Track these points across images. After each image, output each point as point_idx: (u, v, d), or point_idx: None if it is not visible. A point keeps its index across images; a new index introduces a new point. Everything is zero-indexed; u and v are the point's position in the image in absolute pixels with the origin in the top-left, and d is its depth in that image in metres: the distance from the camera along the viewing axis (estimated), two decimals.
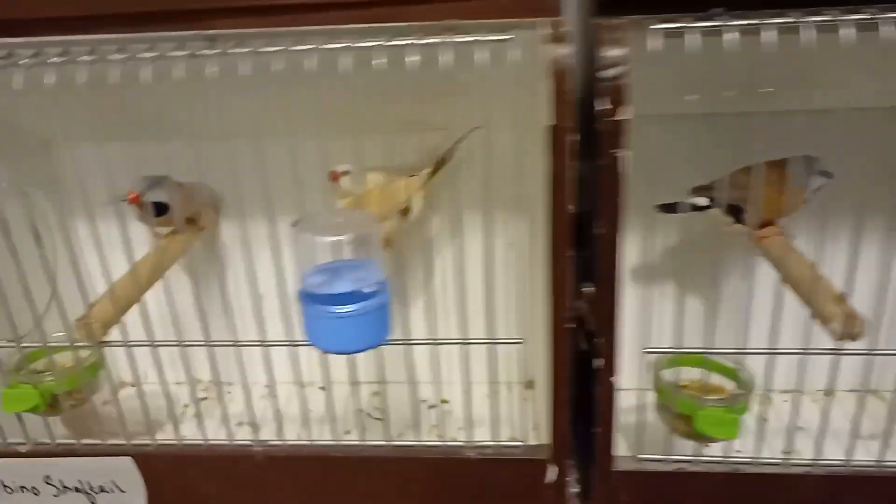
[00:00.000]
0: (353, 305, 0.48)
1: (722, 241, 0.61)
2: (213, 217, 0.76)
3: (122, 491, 0.64)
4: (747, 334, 0.58)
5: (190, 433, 0.64)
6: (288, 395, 0.85)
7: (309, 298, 0.49)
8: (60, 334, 0.61)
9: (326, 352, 0.51)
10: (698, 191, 0.61)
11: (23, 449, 0.63)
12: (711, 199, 0.60)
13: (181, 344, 0.60)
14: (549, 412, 0.57)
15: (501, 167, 0.51)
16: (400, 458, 0.61)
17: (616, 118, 0.46)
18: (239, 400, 0.76)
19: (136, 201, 0.60)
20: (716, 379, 0.61)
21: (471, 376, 0.83)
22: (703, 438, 0.58)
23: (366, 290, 0.49)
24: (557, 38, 0.46)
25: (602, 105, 0.45)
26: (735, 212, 0.61)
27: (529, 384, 0.88)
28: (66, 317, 0.59)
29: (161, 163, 0.60)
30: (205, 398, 0.88)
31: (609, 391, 0.55)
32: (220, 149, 0.56)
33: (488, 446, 0.60)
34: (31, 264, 0.58)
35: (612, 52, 0.44)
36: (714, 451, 0.59)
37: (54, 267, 0.69)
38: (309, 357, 0.61)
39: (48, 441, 0.63)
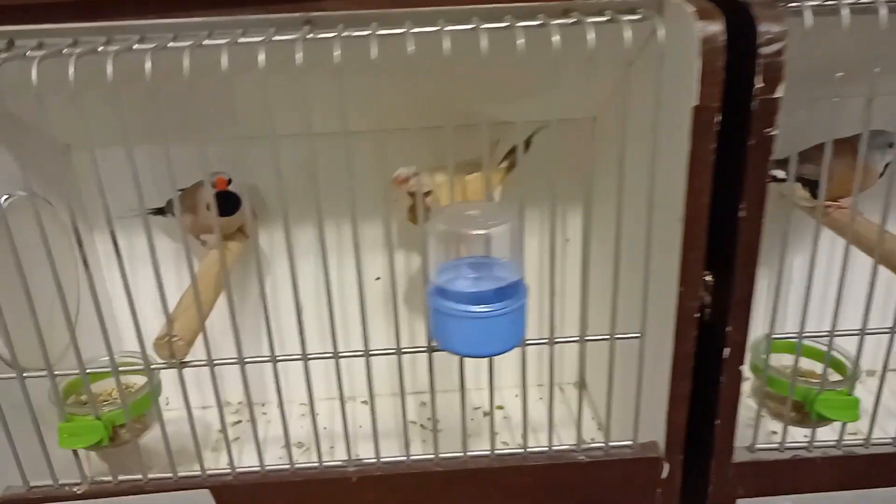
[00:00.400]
0: (495, 304, 0.45)
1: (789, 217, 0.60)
2: (254, 224, 0.71)
3: None
4: (838, 315, 0.58)
5: (243, 460, 0.58)
6: (329, 412, 0.81)
7: (445, 297, 0.45)
8: (104, 358, 0.53)
9: (462, 355, 0.47)
10: (776, 164, 0.61)
11: (79, 490, 0.55)
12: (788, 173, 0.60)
13: (213, 364, 0.53)
14: (666, 407, 0.55)
15: (560, 159, 0.49)
16: (504, 468, 0.57)
17: (771, 96, 0.44)
18: (276, 421, 0.69)
19: (224, 185, 0.55)
20: (804, 363, 0.61)
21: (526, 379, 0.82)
22: (815, 423, 0.57)
23: (507, 288, 0.45)
24: (707, 15, 0.44)
25: (758, 83, 0.44)
26: (808, 186, 0.62)
27: (582, 385, 0.86)
28: (107, 338, 0.52)
29: (193, 167, 0.53)
30: (238, 422, 0.81)
31: (736, 381, 0.54)
32: (259, 149, 0.50)
33: (598, 448, 0.58)
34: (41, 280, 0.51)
35: (771, 28, 0.43)
36: (821, 435, 0.58)
37: (75, 285, 0.62)
38: (348, 370, 0.55)
39: (109, 479, 0.56)
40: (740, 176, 0.48)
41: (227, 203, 0.61)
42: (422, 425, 0.79)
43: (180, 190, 0.63)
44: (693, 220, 0.49)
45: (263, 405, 0.82)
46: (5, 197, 0.56)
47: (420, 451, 0.59)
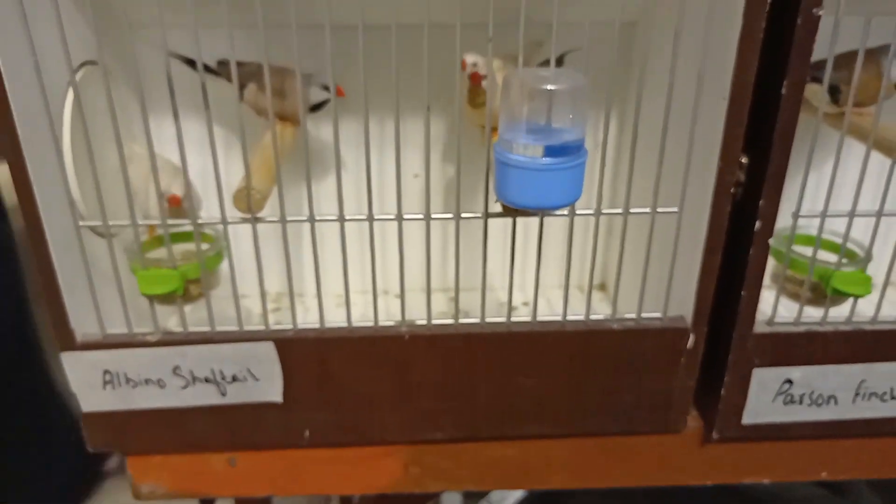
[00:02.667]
0: (560, 158, 0.49)
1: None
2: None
3: (257, 379, 0.62)
4: (856, 203, 0.62)
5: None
6: (361, 304, 0.85)
7: (512, 150, 0.49)
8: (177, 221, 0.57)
9: (521, 206, 0.51)
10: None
11: (152, 338, 0.60)
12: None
13: (286, 221, 0.57)
14: (697, 279, 0.60)
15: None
16: (545, 333, 0.62)
17: None
18: (313, 310, 0.73)
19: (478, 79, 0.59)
20: (820, 255, 0.66)
21: (545, 282, 0.87)
22: (829, 301, 0.63)
23: (570, 145, 0.49)
24: None
25: None
26: (832, 91, 0.66)
27: (601, 287, 0.91)
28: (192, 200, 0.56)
29: (252, 51, 0.56)
30: (277, 308, 0.86)
31: (764, 254, 0.59)
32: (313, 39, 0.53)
33: (631, 319, 0.63)
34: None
35: None
36: (834, 314, 0.64)
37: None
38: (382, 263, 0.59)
39: (180, 329, 0.60)
40: (785, 57, 0.52)
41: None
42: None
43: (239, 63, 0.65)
44: (737, 98, 0.53)
45: (301, 295, 0.87)
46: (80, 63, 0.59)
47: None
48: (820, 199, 0.60)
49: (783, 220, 0.59)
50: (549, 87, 0.48)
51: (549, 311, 0.85)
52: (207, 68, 0.67)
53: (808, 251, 0.63)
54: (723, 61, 0.53)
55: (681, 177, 0.57)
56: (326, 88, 0.64)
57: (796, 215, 0.58)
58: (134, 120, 0.67)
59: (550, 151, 0.49)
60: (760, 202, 0.57)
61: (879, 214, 0.59)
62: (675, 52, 0.52)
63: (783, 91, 0.52)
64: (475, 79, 0.61)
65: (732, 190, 0.57)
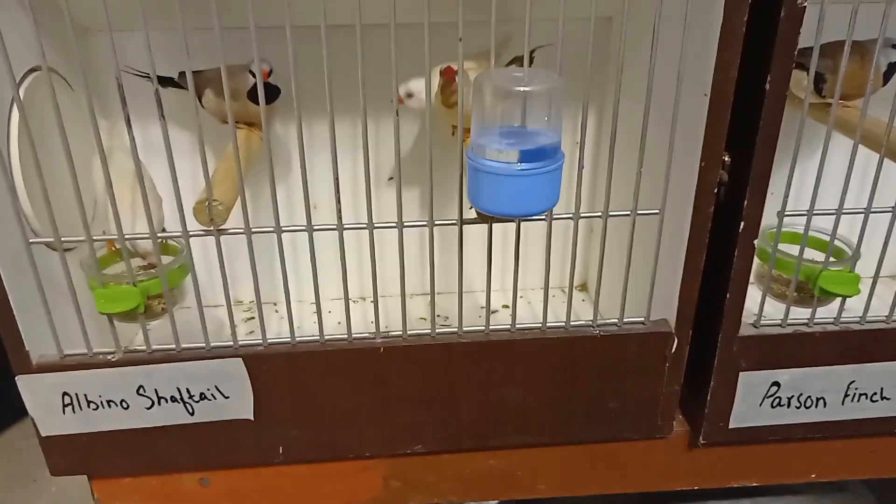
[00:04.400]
0: (536, 163, 0.47)
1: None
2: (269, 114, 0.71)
3: (226, 397, 0.59)
4: (843, 201, 0.61)
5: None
6: (337, 311, 0.82)
7: (485, 155, 0.47)
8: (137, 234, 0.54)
9: (496, 214, 0.49)
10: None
11: (113, 358, 0.57)
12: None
13: (251, 232, 0.54)
14: (680, 282, 0.58)
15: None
16: (525, 341, 0.60)
17: None
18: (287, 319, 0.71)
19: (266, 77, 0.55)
20: (807, 253, 0.64)
21: (525, 283, 0.85)
22: (817, 301, 0.61)
23: (546, 149, 0.47)
24: None
25: None
26: (817, 80, 0.64)
27: (583, 287, 0.89)
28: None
29: (209, 54, 0.51)
30: (251, 318, 0.83)
31: (749, 255, 0.57)
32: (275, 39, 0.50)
33: (612, 324, 0.61)
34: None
35: None
36: (822, 313, 0.62)
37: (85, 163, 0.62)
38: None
39: (142, 348, 0.57)
40: (769, 51, 0.50)
41: (268, 93, 0.61)
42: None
43: (196, 72, 0.62)
44: (718, 95, 0.51)
45: (275, 304, 0.84)
46: (29, 69, 0.55)
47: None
48: (804, 192, 0.58)
49: (768, 218, 0.57)
50: (523, 88, 0.45)
51: (530, 313, 0.83)
52: (163, 80, 0.64)
53: (794, 249, 0.61)
54: (703, 57, 0.51)
55: (662, 176, 0.55)
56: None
57: (782, 215, 0.57)
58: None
59: (526, 156, 0.46)
60: (745, 203, 0.55)
61: (868, 212, 0.57)
62: (653, 47, 0.49)
63: (767, 86, 0.50)
64: (449, 73, 0.58)
65: (716, 190, 0.55)
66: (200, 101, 0.64)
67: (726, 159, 0.55)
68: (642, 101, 0.52)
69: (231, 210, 0.53)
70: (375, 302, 0.58)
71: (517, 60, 0.66)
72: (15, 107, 0.54)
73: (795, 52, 0.50)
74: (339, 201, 0.54)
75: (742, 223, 0.55)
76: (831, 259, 0.62)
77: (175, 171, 0.51)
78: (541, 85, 0.45)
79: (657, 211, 0.57)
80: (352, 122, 0.72)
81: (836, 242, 0.65)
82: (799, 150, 0.53)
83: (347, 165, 0.75)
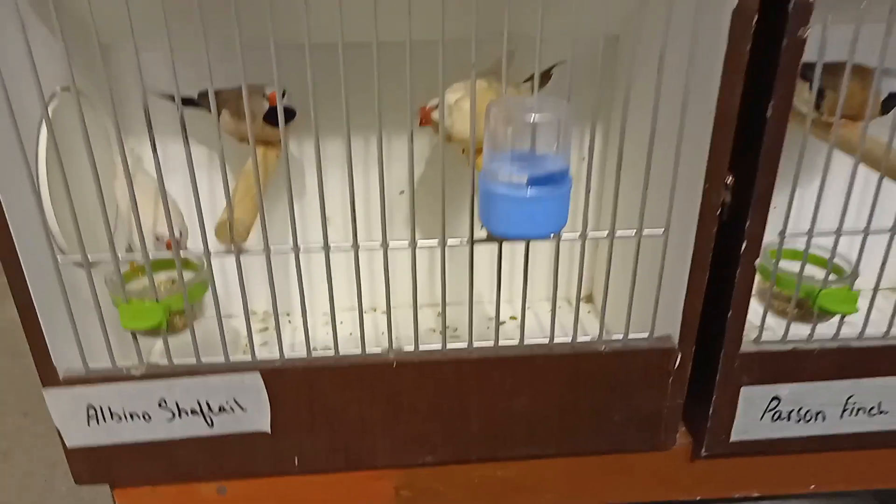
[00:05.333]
0: (545, 188, 0.48)
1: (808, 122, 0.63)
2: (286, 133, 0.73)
3: (244, 410, 0.61)
4: (843, 221, 0.62)
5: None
6: (349, 322, 0.84)
7: (497, 180, 0.49)
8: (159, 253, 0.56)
9: (509, 237, 0.51)
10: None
11: (136, 372, 0.59)
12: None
13: (270, 252, 0.56)
14: (683, 299, 0.60)
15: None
16: (532, 357, 0.62)
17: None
18: (300, 329, 0.73)
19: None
20: (807, 270, 0.66)
21: (532, 294, 0.86)
22: (816, 318, 0.63)
23: (556, 174, 0.49)
24: None
25: None
26: (819, 97, 0.66)
27: (589, 298, 0.91)
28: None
29: (225, 75, 0.54)
30: (265, 328, 0.85)
31: (751, 274, 0.58)
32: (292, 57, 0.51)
33: (617, 340, 0.63)
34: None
35: None
36: (821, 330, 0.64)
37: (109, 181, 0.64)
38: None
39: (165, 362, 0.59)
40: (770, 77, 0.51)
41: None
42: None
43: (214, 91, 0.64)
44: (722, 118, 0.53)
45: (288, 315, 0.86)
46: (58, 88, 0.57)
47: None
48: (807, 207, 0.59)
49: (771, 234, 0.58)
50: (533, 118, 0.47)
51: (538, 325, 0.85)
52: (186, 101, 0.66)
53: (794, 265, 0.63)
54: (708, 81, 0.52)
55: (667, 194, 0.56)
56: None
57: (782, 235, 0.58)
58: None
59: (535, 181, 0.48)
60: (747, 224, 0.57)
61: (866, 232, 0.59)
62: (659, 70, 0.51)
63: (768, 114, 0.52)
64: (423, 117, 0.61)
65: (718, 212, 0.57)
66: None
67: (729, 181, 0.57)
68: (648, 120, 0.53)
69: (250, 229, 0.55)
70: (389, 318, 0.61)
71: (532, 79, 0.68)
72: (44, 127, 0.56)
73: (796, 82, 0.52)
74: (354, 220, 0.56)
75: (744, 243, 0.57)
76: (831, 276, 0.64)
77: (197, 192, 0.53)
78: (549, 115, 0.47)
79: (661, 231, 0.58)
80: (364, 138, 0.75)
81: (837, 260, 0.67)
82: (801, 167, 0.55)
83: (359, 180, 0.77)
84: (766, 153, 0.54)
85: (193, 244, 0.61)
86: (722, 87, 0.52)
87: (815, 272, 0.67)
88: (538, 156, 0.50)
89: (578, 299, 0.61)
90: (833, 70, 0.59)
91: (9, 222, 0.53)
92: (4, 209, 0.52)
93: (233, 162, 0.66)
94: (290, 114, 0.64)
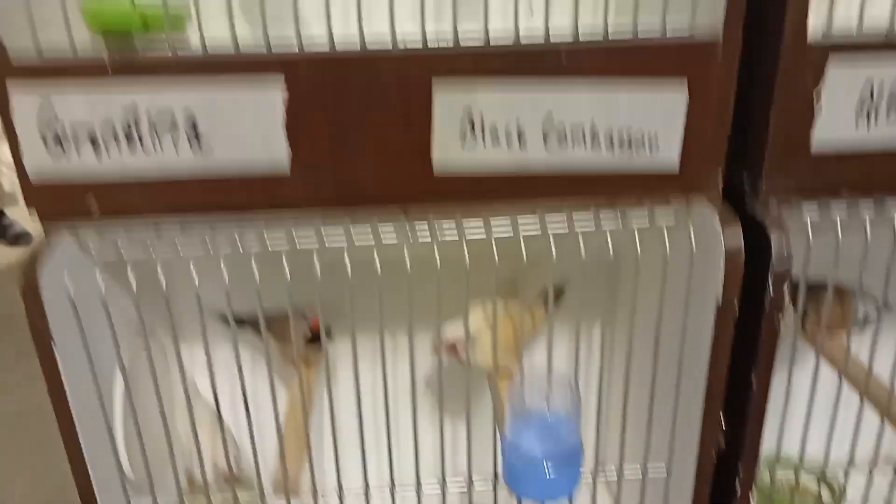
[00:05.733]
0: (563, 464, 0.56)
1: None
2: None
3: None
4: (830, 437, 0.68)
5: None
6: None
7: (521, 454, 0.57)
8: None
9: (529, 499, 0.58)
10: None
11: None
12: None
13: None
14: None
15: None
16: None
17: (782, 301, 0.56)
18: None
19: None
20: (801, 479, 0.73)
21: None
22: None
23: (572, 448, 0.57)
24: (727, 220, 0.56)
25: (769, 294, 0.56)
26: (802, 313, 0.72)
27: None
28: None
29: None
30: None
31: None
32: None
33: None
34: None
35: (782, 247, 0.55)
36: None
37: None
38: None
39: None
40: (754, 351, 0.59)
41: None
42: None
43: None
44: (713, 380, 0.60)
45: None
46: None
47: None
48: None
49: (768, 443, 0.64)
50: (548, 411, 0.55)
51: None
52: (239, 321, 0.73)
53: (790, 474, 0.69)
54: (699, 348, 0.60)
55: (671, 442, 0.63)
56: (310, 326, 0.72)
57: (773, 470, 0.65)
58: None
59: (554, 456, 0.56)
60: (739, 464, 0.63)
61: (849, 464, 0.66)
62: (656, 355, 0.59)
63: (752, 380, 0.60)
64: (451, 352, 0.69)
65: (718, 452, 0.63)
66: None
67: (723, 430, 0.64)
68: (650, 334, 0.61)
69: (302, 471, 0.63)
70: None
71: (544, 294, 0.76)
72: (119, 376, 0.63)
73: (777, 343, 0.59)
74: (391, 463, 0.63)
75: (738, 480, 0.64)
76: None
77: (253, 429, 0.61)
78: (561, 401, 0.55)
79: (664, 468, 0.65)
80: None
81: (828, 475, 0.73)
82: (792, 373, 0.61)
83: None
84: (751, 420, 0.61)
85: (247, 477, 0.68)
86: (711, 361, 0.60)
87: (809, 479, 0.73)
88: (552, 423, 0.57)
89: None
90: (813, 294, 0.65)
91: (85, 456, 0.59)
92: (83, 446, 0.59)
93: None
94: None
